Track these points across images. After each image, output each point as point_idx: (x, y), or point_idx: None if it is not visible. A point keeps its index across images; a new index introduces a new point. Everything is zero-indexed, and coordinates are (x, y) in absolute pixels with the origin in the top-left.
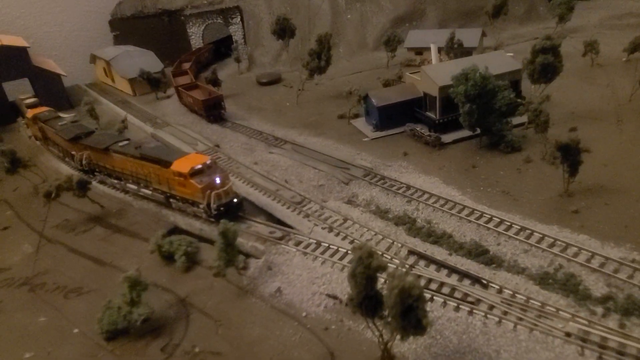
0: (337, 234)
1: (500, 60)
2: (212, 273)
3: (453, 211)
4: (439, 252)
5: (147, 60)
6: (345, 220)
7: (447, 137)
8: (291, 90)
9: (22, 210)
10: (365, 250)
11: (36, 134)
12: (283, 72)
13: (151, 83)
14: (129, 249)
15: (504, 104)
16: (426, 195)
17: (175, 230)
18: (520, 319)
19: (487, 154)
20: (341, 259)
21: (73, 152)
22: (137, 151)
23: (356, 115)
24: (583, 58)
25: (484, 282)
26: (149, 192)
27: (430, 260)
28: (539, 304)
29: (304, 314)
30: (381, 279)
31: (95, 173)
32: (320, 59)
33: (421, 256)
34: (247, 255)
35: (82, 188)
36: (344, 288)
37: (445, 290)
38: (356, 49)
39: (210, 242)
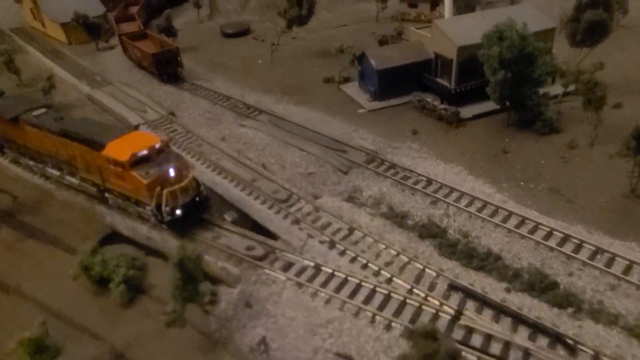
0: (343, 253)
1: (527, 16)
2: (165, 321)
3: (496, 219)
4: (489, 285)
5: (85, 1)
6: (351, 230)
7: (465, 112)
8: (263, 44)
9: None
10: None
11: None
12: (252, 22)
13: (89, 30)
14: (44, 264)
15: (544, 72)
16: (455, 194)
17: (112, 236)
18: None
19: (518, 135)
20: (353, 295)
21: None
22: (57, 125)
23: (346, 79)
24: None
25: (569, 342)
26: (76, 182)
27: (481, 301)
28: None
29: None
30: None
31: (5, 150)
32: (301, 6)
33: (468, 293)
34: (215, 281)
35: None
36: (361, 344)
37: (516, 356)
38: None
39: (163, 256)
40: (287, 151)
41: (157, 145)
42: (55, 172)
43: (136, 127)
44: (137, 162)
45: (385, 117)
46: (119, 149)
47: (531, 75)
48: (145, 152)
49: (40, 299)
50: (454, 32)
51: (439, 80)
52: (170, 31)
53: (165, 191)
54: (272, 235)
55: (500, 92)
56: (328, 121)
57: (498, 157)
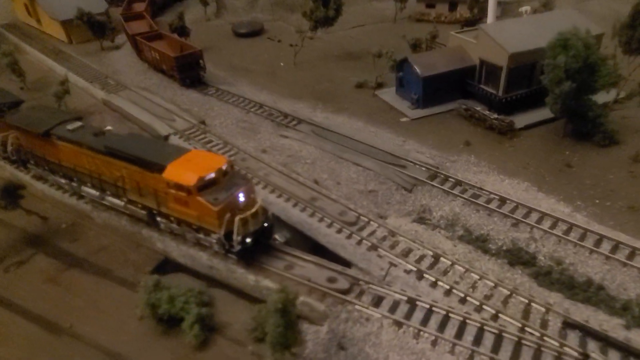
0: (434, 284)
1: (570, 22)
2: None
3: (587, 243)
4: (606, 322)
5: None
6: (436, 257)
7: (515, 121)
8: (280, 45)
9: None
10: None
11: None
12: (263, 22)
13: (94, 28)
14: (96, 299)
15: (607, 82)
16: (535, 215)
17: (166, 263)
18: None
19: (577, 147)
20: (459, 335)
21: None
22: (98, 142)
23: (379, 85)
24: None
25: None
26: (121, 204)
27: (604, 341)
28: None
29: None
30: None
31: (29, 165)
32: (327, 6)
33: (586, 331)
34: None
35: (10, 197)
36: None
37: None
38: None
39: (227, 287)
40: (340, 166)
41: (224, 167)
42: (94, 192)
43: (166, 138)
44: (204, 186)
45: (430, 127)
46: (181, 172)
47: (593, 85)
48: (212, 175)
49: (98, 341)
50: (504, 39)
51: (484, 87)
52: (183, 30)
53: (237, 219)
54: (344, 263)
55: (562, 103)
56: (374, 132)
57: (563, 171)
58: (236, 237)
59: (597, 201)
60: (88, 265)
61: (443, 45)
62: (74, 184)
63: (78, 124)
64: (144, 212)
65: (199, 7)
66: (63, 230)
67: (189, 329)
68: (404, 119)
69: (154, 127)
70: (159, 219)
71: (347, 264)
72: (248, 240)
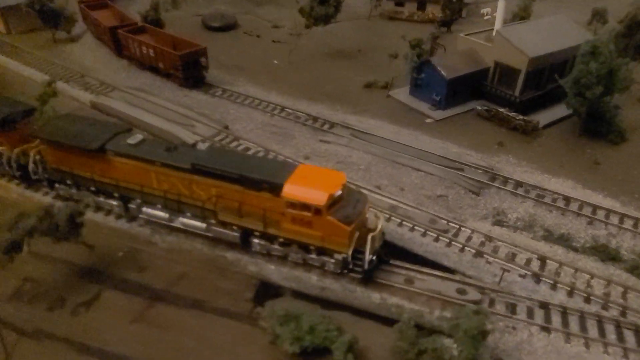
0: (553, 286)
1: (567, 30)
2: None
3: None
4: None
5: None
6: (542, 259)
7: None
8: (259, 41)
9: None
10: None
11: None
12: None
13: (46, 17)
14: (205, 336)
15: (623, 86)
16: (601, 212)
17: (265, 288)
18: None
19: (594, 145)
20: (602, 334)
21: None
22: (179, 158)
23: (386, 85)
24: None
25: None
26: (202, 226)
27: None
28: None
29: None
30: None
31: (56, 185)
32: (326, 3)
33: None
34: (432, 332)
35: (74, 226)
36: None
37: None
38: None
39: (345, 308)
40: (399, 171)
41: (344, 182)
42: (161, 214)
43: (193, 146)
44: (332, 204)
45: (455, 128)
46: (306, 191)
47: (612, 88)
48: (339, 192)
49: None
50: (522, 43)
51: (501, 89)
52: (158, 23)
53: (370, 236)
54: (448, 271)
55: (589, 106)
56: (413, 134)
57: (593, 168)
58: (368, 256)
59: (637, 195)
60: (173, 297)
61: (442, 47)
62: (132, 206)
63: (139, 137)
64: (236, 234)
65: None
66: (121, 260)
67: (343, 359)
68: (429, 120)
69: (175, 134)
70: (256, 240)
71: (449, 271)
72: (374, 258)
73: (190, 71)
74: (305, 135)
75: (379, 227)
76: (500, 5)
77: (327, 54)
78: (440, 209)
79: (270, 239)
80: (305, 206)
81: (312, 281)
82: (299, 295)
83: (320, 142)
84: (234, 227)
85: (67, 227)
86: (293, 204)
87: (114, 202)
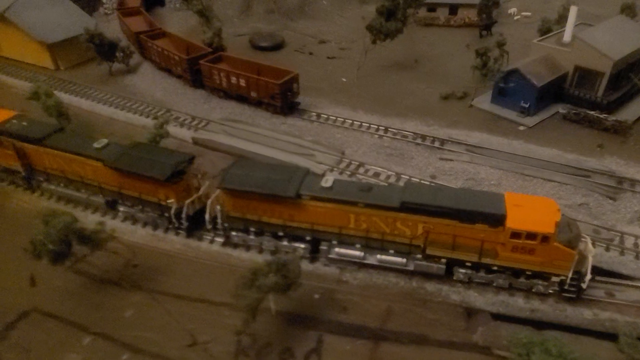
0: None
1: (631, 29)
2: None
3: None
4: None
5: (66, 12)
6: None
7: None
8: (311, 58)
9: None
10: None
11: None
12: (274, 32)
13: (102, 51)
14: None
15: None
16: None
17: (473, 314)
18: None
19: None
20: None
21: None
22: (377, 198)
23: (465, 95)
24: None
25: None
26: (402, 261)
27: None
28: None
29: None
30: None
31: (234, 232)
32: (393, 18)
33: None
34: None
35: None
36: None
37: None
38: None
39: (554, 327)
40: (530, 183)
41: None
42: (357, 254)
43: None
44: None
45: (549, 133)
46: (531, 220)
47: None
48: (560, 218)
49: None
50: (604, 47)
51: (582, 92)
52: (221, 49)
53: (590, 257)
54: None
55: None
56: (524, 146)
57: None
58: (589, 275)
59: None
60: (392, 334)
61: (507, 53)
62: (323, 247)
63: (330, 179)
64: (442, 266)
65: (179, 15)
66: (320, 301)
67: None
68: (522, 128)
69: (298, 165)
70: (462, 270)
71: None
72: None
73: (286, 99)
74: (423, 154)
75: (589, 246)
76: (572, 11)
77: (386, 66)
78: (584, 217)
79: (476, 267)
80: (531, 235)
81: (519, 304)
82: (503, 318)
83: (442, 160)
84: (441, 260)
85: (296, 277)
86: (518, 234)
87: (302, 245)
